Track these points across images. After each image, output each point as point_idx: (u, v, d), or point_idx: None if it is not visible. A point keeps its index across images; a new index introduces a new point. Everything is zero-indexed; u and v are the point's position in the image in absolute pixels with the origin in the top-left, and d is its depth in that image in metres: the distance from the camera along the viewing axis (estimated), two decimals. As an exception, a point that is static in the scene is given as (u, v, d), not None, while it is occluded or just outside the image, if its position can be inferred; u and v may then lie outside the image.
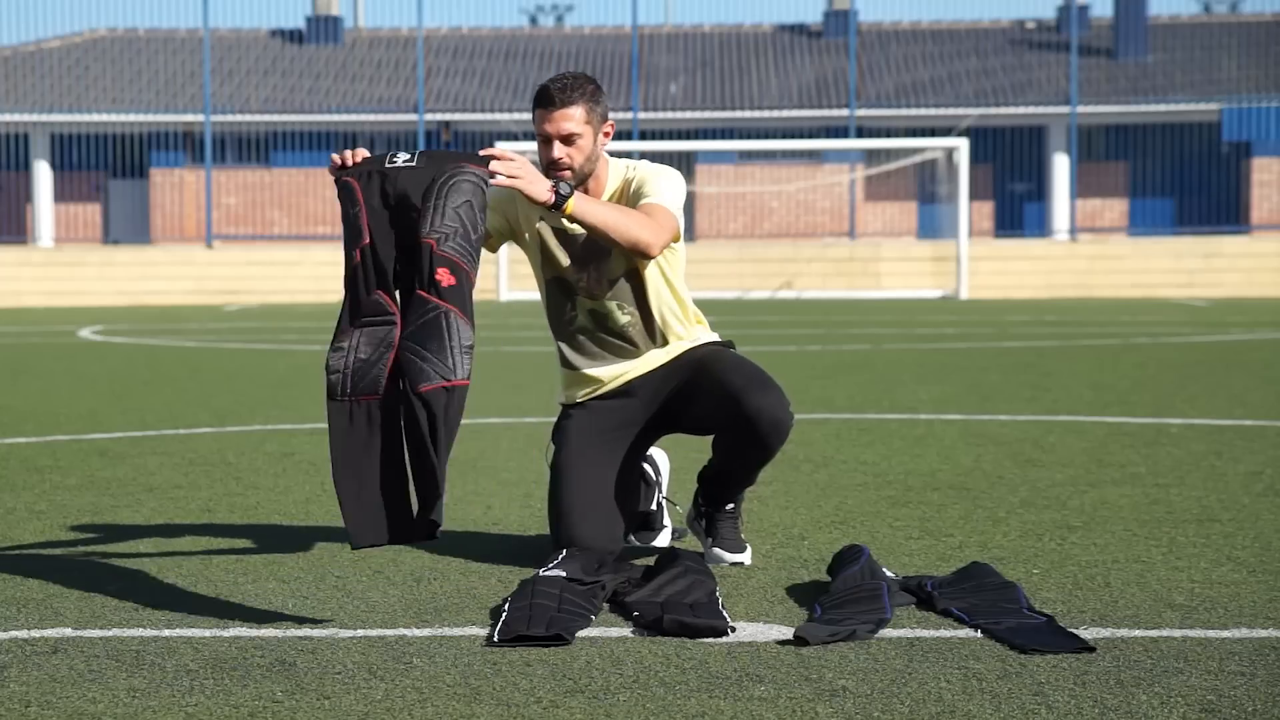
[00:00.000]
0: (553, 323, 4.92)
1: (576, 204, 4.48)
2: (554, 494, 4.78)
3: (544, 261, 4.84)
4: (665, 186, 4.72)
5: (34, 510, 5.77)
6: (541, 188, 4.42)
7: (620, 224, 4.55)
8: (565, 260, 4.81)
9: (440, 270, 4.16)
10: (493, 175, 4.33)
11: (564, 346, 4.91)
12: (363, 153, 4.35)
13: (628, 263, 4.78)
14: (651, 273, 4.82)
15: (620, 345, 4.85)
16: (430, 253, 4.17)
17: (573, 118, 4.64)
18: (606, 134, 4.72)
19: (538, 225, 4.82)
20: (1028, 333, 17.48)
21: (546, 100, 4.64)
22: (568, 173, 4.66)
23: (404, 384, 4.15)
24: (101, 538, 5.21)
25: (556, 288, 4.86)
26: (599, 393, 4.88)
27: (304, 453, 7.38)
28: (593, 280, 4.79)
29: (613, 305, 4.81)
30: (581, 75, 4.70)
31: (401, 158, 4.30)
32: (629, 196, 4.76)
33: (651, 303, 4.82)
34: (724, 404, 4.67)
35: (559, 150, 4.64)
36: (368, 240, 4.21)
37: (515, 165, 4.37)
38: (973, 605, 4.06)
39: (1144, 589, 4.34)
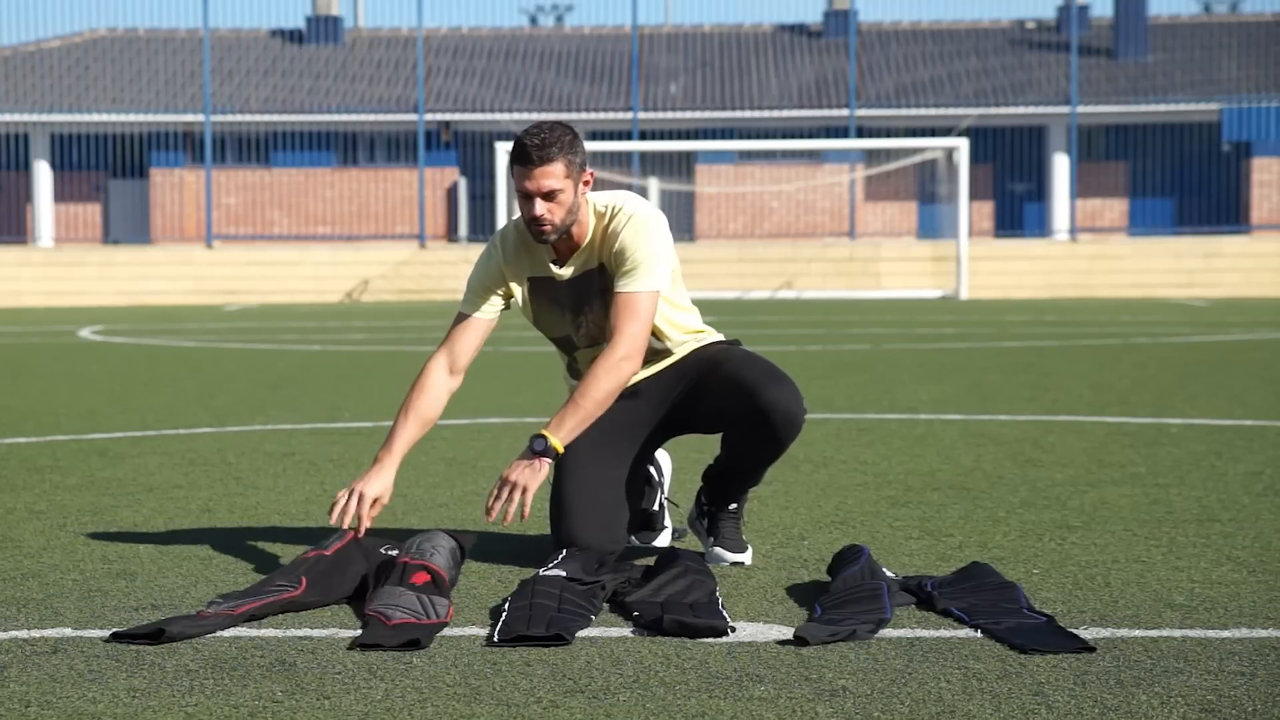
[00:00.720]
0: (569, 374, 4.95)
1: (564, 439, 4.56)
2: (556, 493, 4.78)
3: (537, 321, 4.85)
4: (644, 261, 4.62)
5: (34, 510, 5.77)
6: (538, 474, 4.50)
7: (606, 396, 4.59)
8: (558, 314, 4.80)
9: (417, 575, 4.17)
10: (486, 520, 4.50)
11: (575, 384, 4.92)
12: (365, 513, 4.55)
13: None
14: None
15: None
16: (404, 567, 4.21)
17: (552, 174, 4.57)
18: (586, 183, 4.66)
19: (527, 286, 4.80)
20: (1028, 333, 17.48)
21: (525, 158, 4.57)
22: (549, 228, 4.61)
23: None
24: (101, 538, 5.21)
25: (559, 344, 4.89)
26: None
27: (304, 453, 7.38)
28: (591, 325, 4.79)
29: None
30: (558, 126, 4.61)
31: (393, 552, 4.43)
32: (609, 254, 4.68)
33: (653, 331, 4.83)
34: (737, 397, 4.67)
35: (540, 207, 4.59)
36: (299, 592, 4.18)
37: (507, 491, 4.47)
38: (973, 605, 4.06)
39: (1144, 589, 4.34)
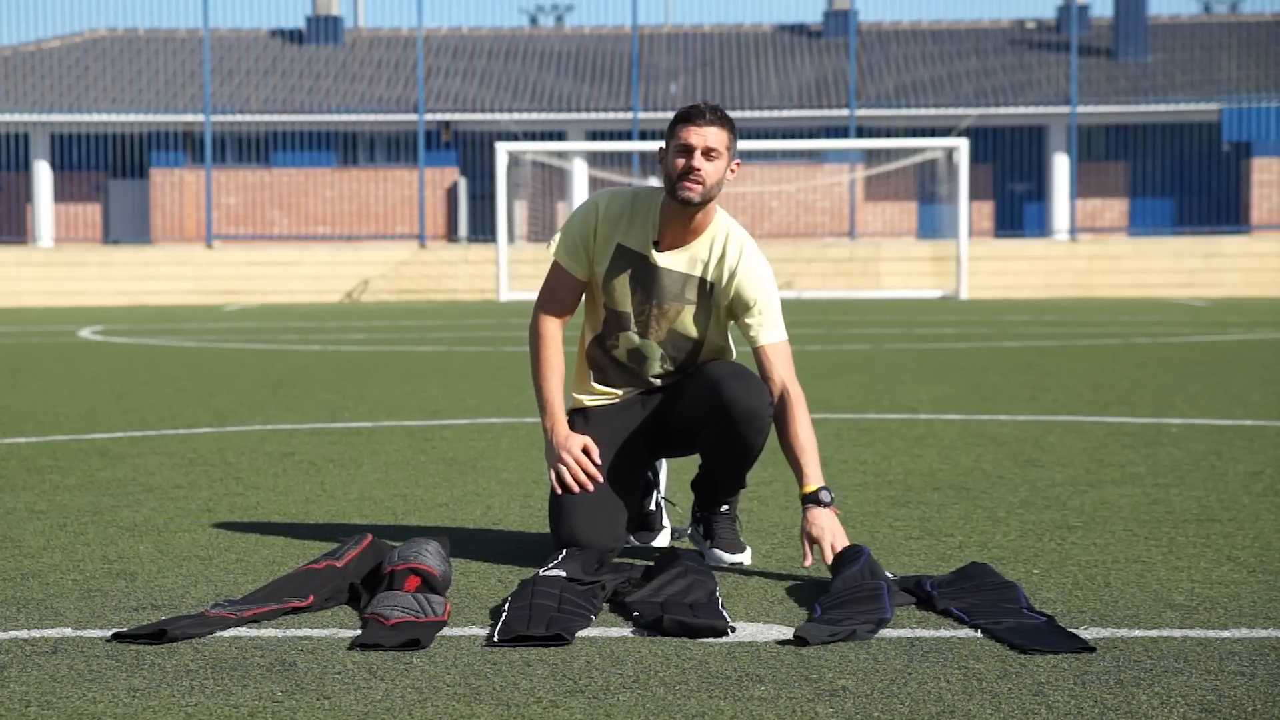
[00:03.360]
0: (591, 347, 4.93)
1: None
2: (555, 492, 4.78)
3: (605, 288, 4.84)
4: (778, 308, 4.80)
5: (34, 510, 5.77)
6: (839, 522, 4.58)
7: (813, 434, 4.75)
8: (631, 291, 4.81)
9: (408, 580, 4.20)
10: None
11: (590, 369, 4.94)
12: (589, 465, 4.70)
13: (686, 323, 4.82)
14: (710, 339, 4.87)
15: (644, 384, 4.90)
16: (392, 575, 4.24)
17: (719, 137, 4.67)
18: (733, 171, 4.76)
19: (613, 251, 4.80)
20: (1028, 333, 17.48)
21: (696, 115, 4.67)
22: (699, 186, 4.66)
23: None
24: (101, 538, 5.21)
25: (613, 314, 4.87)
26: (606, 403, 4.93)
27: (304, 453, 7.38)
28: (655, 319, 4.82)
29: (658, 353, 4.84)
30: (723, 109, 4.75)
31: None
32: (728, 283, 4.76)
33: (698, 360, 4.89)
34: (704, 393, 4.72)
35: (699, 160, 4.65)
36: (306, 603, 4.18)
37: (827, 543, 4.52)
38: (972, 605, 4.06)
39: (1144, 589, 4.34)
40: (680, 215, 4.73)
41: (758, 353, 4.78)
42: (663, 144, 4.76)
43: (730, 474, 4.82)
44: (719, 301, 4.79)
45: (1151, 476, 6.40)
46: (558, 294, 4.88)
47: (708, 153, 4.65)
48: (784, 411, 4.70)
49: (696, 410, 4.75)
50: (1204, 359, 13.09)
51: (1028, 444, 7.47)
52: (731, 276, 4.76)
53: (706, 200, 4.70)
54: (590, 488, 4.68)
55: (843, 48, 39.35)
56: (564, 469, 4.71)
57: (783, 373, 4.74)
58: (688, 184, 4.66)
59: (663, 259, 4.78)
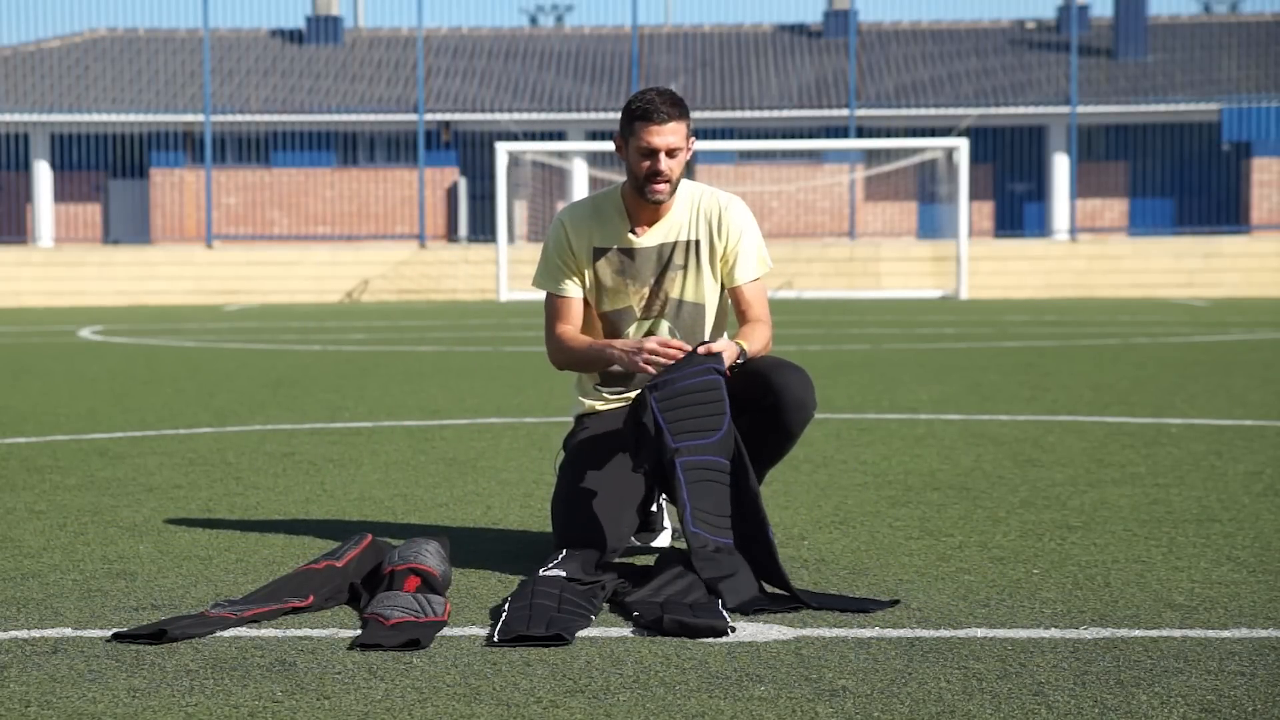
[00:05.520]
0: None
1: (750, 352, 4.72)
2: (559, 492, 4.78)
3: (598, 295, 4.88)
4: (761, 244, 4.88)
5: (34, 510, 5.77)
6: (734, 352, 4.62)
7: (760, 351, 4.77)
8: (624, 284, 4.85)
9: (408, 580, 4.21)
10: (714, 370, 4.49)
11: (603, 379, 4.94)
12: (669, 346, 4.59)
13: (682, 289, 4.85)
14: (710, 304, 4.88)
15: None
16: (393, 575, 4.25)
17: (679, 132, 4.72)
18: (688, 149, 4.81)
19: (591, 256, 4.86)
20: (1027, 333, 17.48)
21: (654, 115, 4.69)
22: (666, 186, 4.74)
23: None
24: (101, 538, 5.21)
25: (609, 321, 4.89)
26: (618, 404, 4.92)
27: (304, 453, 7.38)
28: (656, 295, 4.85)
29: (665, 326, 4.87)
30: (673, 92, 4.76)
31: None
32: (710, 231, 4.83)
33: (705, 334, 4.89)
34: (749, 380, 4.69)
35: (664, 163, 4.72)
36: (306, 603, 4.18)
37: (723, 351, 4.54)
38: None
39: (1144, 589, 4.34)
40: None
41: (734, 291, 4.84)
42: (618, 133, 4.80)
43: (759, 466, 4.80)
44: (715, 254, 4.85)
45: (1151, 476, 6.40)
46: (561, 315, 4.89)
47: (671, 152, 4.72)
48: (749, 327, 4.80)
49: (737, 399, 4.72)
50: (1204, 359, 13.09)
51: (1028, 444, 7.47)
52: (720, 224, 4.84)
53: (673, 191, 4.79)
54: (679, 355, 4.55)
55: (843, 48, 39.35)
56: (650, 355, 4.58)
57: (763, 309, 4.85)
58: (656, 186, 4.75)
59: (643, 240, 4.84)
